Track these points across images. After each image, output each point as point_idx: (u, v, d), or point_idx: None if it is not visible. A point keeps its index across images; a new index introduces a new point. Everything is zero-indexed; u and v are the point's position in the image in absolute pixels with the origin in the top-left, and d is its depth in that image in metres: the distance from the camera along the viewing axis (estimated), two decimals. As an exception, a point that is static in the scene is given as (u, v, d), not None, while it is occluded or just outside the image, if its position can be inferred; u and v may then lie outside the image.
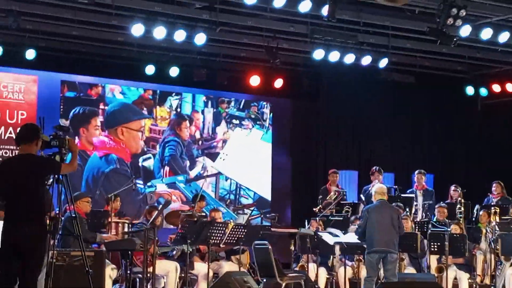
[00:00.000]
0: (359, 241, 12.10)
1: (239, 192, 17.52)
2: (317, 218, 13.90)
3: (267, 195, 17.67)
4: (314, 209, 14.64)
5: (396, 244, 11.68)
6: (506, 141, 18.89)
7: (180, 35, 13.99)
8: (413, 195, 15.04)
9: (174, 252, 11.59)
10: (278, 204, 17.44)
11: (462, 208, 14.38)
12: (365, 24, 14.63)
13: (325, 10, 12.65)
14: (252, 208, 14.45)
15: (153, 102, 16.73)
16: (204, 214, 12.32)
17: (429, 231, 13.13)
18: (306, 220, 14.12)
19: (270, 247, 11.66)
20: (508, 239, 12.73)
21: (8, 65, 15.02)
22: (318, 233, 12.80)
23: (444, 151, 19.05)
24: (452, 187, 15.45)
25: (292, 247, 13.26)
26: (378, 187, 12.36)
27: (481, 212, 14.30)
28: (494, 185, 15.51)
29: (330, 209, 14.67)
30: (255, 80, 16.86)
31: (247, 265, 12.24)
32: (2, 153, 15.03)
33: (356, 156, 18.15)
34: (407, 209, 13.76)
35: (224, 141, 17.51)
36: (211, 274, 11.42)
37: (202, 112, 17.33)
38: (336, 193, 15.06)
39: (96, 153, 16.08)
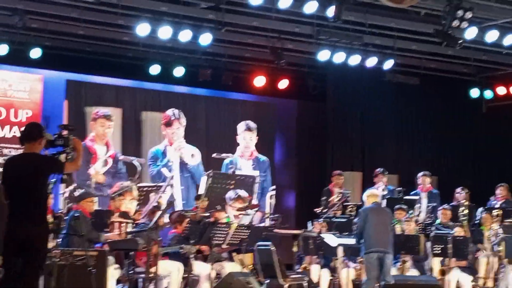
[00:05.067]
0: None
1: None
2: (320, 220, 13.87)
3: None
4: (315, 209, 14.62)
5: (392, 245, 11.76)
6: (511, 143, 18.86)
7: (185, 35, 13.99)
8: (417, 197, 15.01)
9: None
10: (282, 205, 17.39)
11: (466, 211, 14.33)
12: (370, 25, 14.61)
13: (330, 11, 12.62)
14: (255, 209, 14.40)
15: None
16: (207, 214, 12.27)
17: (433, 233, 13.12)
18: (309, 222, 14.09)
19: (273, 248, 11.65)
20: (512, 242, 12.72)
21: (14, 64, 14.98)
22: (321, 234, 12.81)
23: (449, 153, 19.02)
24: (458, 189, 15.40)
25: (295, 249, 13.26)
26: (370, 191, 12.59)
27: (483, 215, 14.25)
28: (499, 188, 15.44)
29: (334, 210, 14.65)
30: (260, 81, 16.85)
31: (250, 266, 12.22)
32: (7, 151, 15.02)
33: (360, 157, 18.12)
34: (411, 211, 13.73)
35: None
36: (213, 274, 11.40)
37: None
38: (340, 195, 15.04)
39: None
